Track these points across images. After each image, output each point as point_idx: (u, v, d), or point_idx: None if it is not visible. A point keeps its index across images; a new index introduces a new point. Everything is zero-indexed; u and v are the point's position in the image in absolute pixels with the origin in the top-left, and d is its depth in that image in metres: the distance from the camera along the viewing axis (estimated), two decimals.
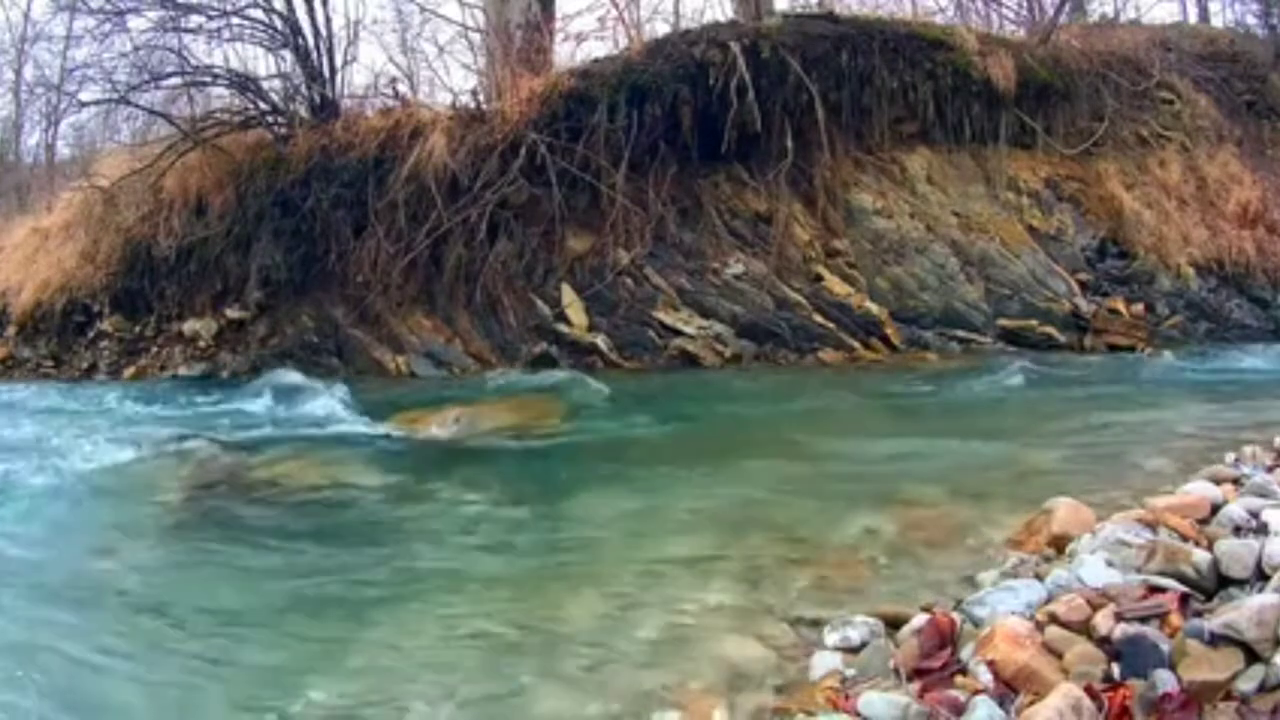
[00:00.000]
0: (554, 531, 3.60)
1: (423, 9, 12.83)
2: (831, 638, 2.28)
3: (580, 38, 9.84)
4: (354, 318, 8.32)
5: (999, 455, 4.33)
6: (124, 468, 4.80)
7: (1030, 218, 8.47)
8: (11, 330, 9.58)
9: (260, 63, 11.39)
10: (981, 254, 8.23)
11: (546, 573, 3.09)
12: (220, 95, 9.81)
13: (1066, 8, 10.22)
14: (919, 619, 2.25)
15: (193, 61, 9.29)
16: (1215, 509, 2.58)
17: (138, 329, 9.03)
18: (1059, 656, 1.96)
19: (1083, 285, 8.22)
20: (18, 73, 17.94)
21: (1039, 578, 2.38)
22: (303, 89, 9.02)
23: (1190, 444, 4.07)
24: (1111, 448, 4.23)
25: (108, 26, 9.21)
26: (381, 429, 5.67)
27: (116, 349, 9.08)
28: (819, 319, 7.84)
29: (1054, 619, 2.07)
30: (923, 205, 8.37)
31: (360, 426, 5.74)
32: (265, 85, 9.30)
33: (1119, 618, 2.01)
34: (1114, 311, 8.00)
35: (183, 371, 8.60)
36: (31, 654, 2.53)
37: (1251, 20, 12.07)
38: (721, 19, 9.42)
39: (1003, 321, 8.03)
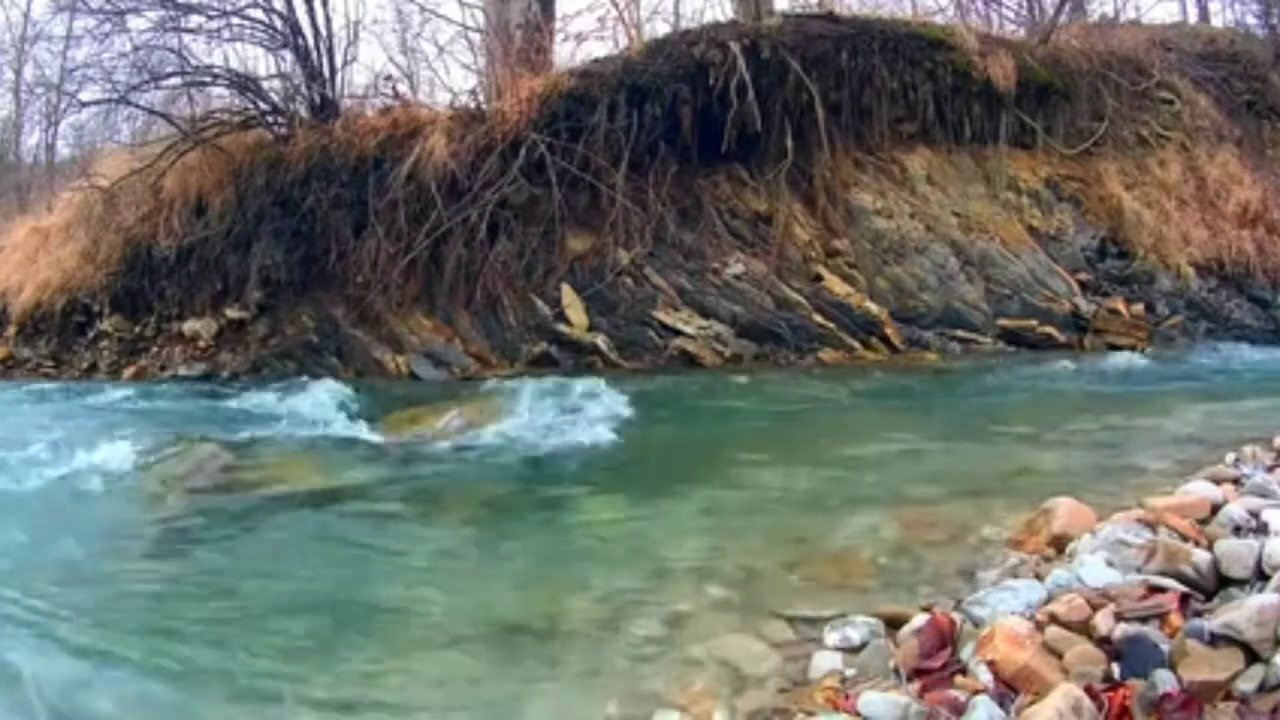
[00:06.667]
0: (552, 531, 3.60)
1: (423, 9, 12.82)
2: (831, 637, 2.28)
3: (580, 38, 9.86)
4: (354, 318, 8.31)
5: (999, 455, 4.33)
6: (122, 468, 4.78)
7: (1030, 218, 8.48)
8: (11, 330, 9.57)
9: (260, 63, 11.38)
10: (981, 254, 8.23)
11: (545, 573, 3.09)
12: (220, 95, 9.82)
13: (1066, 8, 10.21)
14: (919, 619, 2.25)
15: (193, 61, 9.29)
16: (1215, 509, 2.58)
17: (138, 329, 9.01)
18: (1059, 656, 1.96)
19: (1083, 285, 8.22)
20: (18, 73, 18.00)
21: (1039, 578, 2.38)
22: (303, 89, 9.01)
23: (1190, 444, 4.07)
24: (1111, 448, 4.23)
25: (108, 26, 9.24)
26: (380, 430, 5.66)
27: (116, 349, 9.07)
28: (819, 319, 7.84)
29: (1054, 619, 2.07)
30: (923, 205, 8.37)
31: (359, 427, 5.73)
32: (265, 85, 9.29)
33: (1119, 618, 2.01)
34: (1114, 311, 8.00)
35: (183, 371, 8.59)
36: (27, 656, 2.53)
37: (1251, 20, 12.11)
38: (721, 19, 9.42)
39: (1003, 321, 8.03)
